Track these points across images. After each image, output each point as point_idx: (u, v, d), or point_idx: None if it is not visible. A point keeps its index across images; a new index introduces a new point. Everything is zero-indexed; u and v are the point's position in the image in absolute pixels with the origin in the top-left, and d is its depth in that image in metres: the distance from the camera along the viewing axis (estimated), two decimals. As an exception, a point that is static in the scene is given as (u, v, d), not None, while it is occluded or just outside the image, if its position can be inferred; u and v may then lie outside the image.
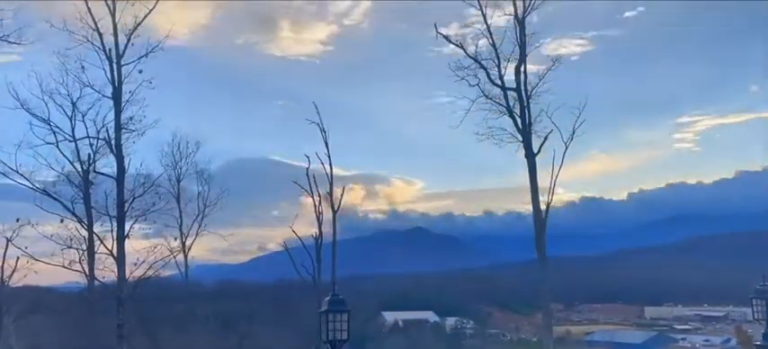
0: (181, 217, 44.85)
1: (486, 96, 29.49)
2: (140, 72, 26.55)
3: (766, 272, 17.89)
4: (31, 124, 27.11)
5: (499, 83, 29.19)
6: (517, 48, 28.90)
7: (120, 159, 26.29)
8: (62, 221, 27.16)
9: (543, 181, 28.45)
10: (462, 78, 29.70)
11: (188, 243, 45.45)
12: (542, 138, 28.37)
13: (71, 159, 28.43)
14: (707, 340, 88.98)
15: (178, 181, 45.62)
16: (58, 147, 27.96)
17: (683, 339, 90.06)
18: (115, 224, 26.05)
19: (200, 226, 45.69)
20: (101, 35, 26.35)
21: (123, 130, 26.48)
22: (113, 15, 26.33)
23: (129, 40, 26.51)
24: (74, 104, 27.74)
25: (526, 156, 28.49)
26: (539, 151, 28.39)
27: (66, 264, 27.29)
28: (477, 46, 29.37)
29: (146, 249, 27.99)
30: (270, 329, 60.59)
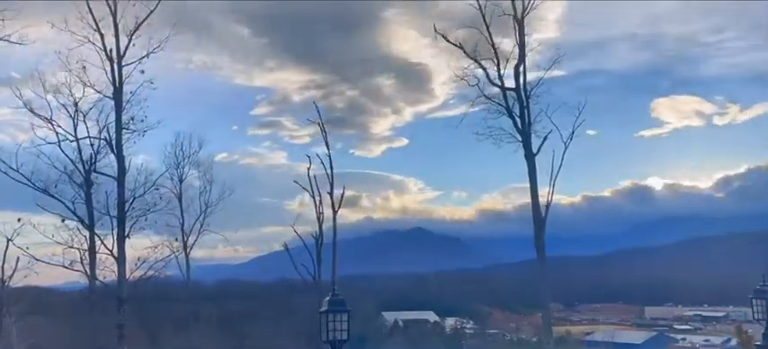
0: (182, 217, 44.82)
1: (486, 96, 29.58)
2: (142, 72, 26.63)
3: (766, 272, 17.92)
4: (32, 124, 27.18)
5: (498, 83, 29.27)
6: (516, 48, 28.97)
7: (120, 159, 26.34)
8: (63, 221, 27.20)
9: (543, 181, 28.50)
10: (461, 78, 29.81)
11: (189, 243, 45.37)
12: (542, 139, 28.43)
13: (73, 159, 28.41)
14: (707, 340, 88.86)
15: (180, 181, 45.54)
16: (59, 146, 27.98)
17: (683, 339, 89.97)
18: (116, 224, 26.11)
19: (201, 226, 45.66)
20: (102, 35, 26.42)
21: (124, 131, 26.56)
22: (114, 16, 26.38)
23: (130, 40, 26.58)
24: (76, 104, 27.76)
25: (526, 156, 28.53)
26: (538, 151, 28.43)
27: (67, 264, 27.36)
28: (476, 45, 29.44)
29: (147, 249, 28.12)
30: (270, 329, 60.64)
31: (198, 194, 46.31)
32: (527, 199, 28.88)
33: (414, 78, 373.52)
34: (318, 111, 33.19)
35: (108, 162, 27.64)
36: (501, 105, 29.17)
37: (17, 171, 26.33)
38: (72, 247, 27.35)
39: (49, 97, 27.26)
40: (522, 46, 28.83)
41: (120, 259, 25.95)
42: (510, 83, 29.08)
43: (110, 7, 26.37)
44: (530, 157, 28.44)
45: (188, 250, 45.06)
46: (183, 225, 44.58)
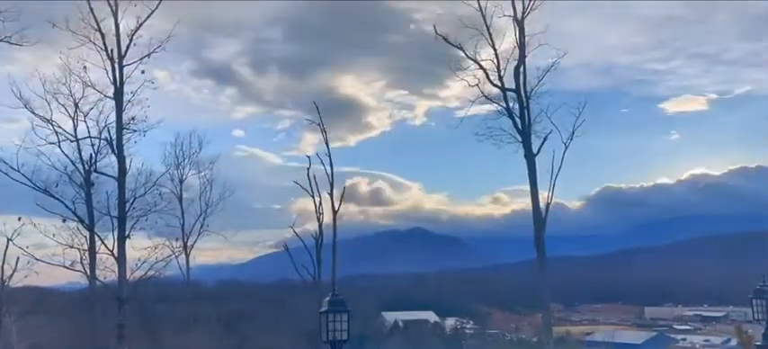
0: (183, 217, 44.64)
1: (486, 97, 29.56)
2: (143, 72, 26.60)
3: (766, 272, 17.95)
4: (32, 124, 27.12)
5: (499, 83, 29.24)
6: (516, 48, 28.95)
7: (121, 160, 26.28)
8: (64, 221, 27.15)
9: (543, 181, 28.49)
10: (462, 79, 29.81)
11: (190, 243, 45.20)
12: (542, 139, 28.41)
13: (73, 159, 28.34)
14: (707, 340, 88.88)
15: (180, 181, 45.36)
16: (60, 147, 27.92)
17: (683, 339, 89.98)
18: (116, 224, 26.08)
19: (201, 226, 45.50)
20: (103, 35, 26.33)
21: (125, 131, 26.52)
22: (115, 15, 26.33)
23: (131, 40, 26.54)
24: (76, 104, 27.70)
25: (526, 156, 28.51)
26: (538, 152, 28.41)
27: (67, 265, 27.31)
28: (476, 46, 29.43)
29: (147, 249, 28.08)
30: (270, 330, 60.65)
31: (198, 195, 46.17)
32: (527, 199, 28.91)
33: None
34: (318, 112, 33.16)
35: (108, 162, 27.60)
36: (501, 106, 29.17)
37: (18, 171, 26.30)
38: (72, 248, 27.35)
39: (50, 97, 27.24)
40: (522, 47, 28.80)
41: (121, 259, 25.92)
42: (510, 83, 29.07)
43: (111, 7, 26.33)
44: (530, 158, 28.42)
45: (188, 251, 44.94)
46: (183, 225, 44.47)
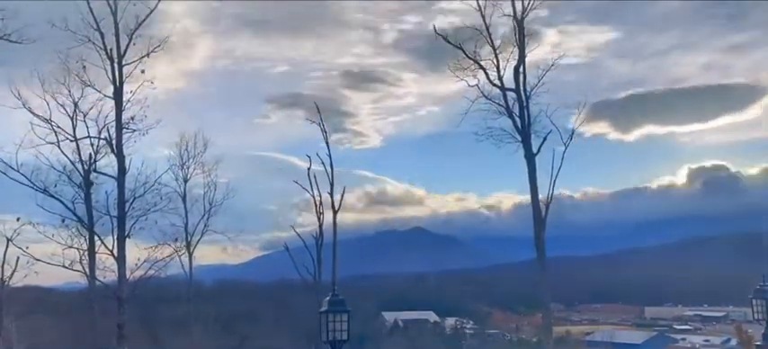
0: (186, 217, 44.48)
1: (486, 97, 29.48)
2: (143, 72, 26.53)
3: (766, 273, 17.96)
4: (31, 124, 27.03)
5: (498, 83, 29.17)
6: (516, 48, 28.90)
7: (120, 159, 26.21)
8: (63, 221, 27.10)
9: (543, 181, 28.45)
10: (461, 79, 29.74)
11: (193, 243, 45.07)
12: (542, 139, 28.36)
13: (72, 159, 28.25)
14: (707, 340, 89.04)
15: (185, 181, 45.24)
16: (59, 146, 27.85)
17: (683, 339, 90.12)
18: (116, 224, 26.03)
19: (205, 226, 45.36)
20: (102, 35, 26.25)
21: (124, 130, 26.47)
22: (114, 15, 26.24)
23: (130, 39, 26.48)
24: (75, 104, 27.61)
25: (526, 156, 28.47)
26: (538, 151, 28.35)
27: (66, 264, 27.24)
28: (476, 46, 29.36)
29: (148, 249, 28.05)
30: (270, 329, 60.78)
31: (202, 194, 45.99)
32: (527, 199, 28.87)
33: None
34: (318, 111, 33.15)
35: (108, 161, 27.53)
36: (501, 106, 29.10)
37: (17, 171, 26.25)
38: (72, 248, 27.30)
39: (49, 97, 27.19)
40: (521, 46, 28.75)
41: (120, 259, 25.88)
42: (510, 83, 29.03)
43: (110, 6, 26.25)
44: (530, 157, 28.37)
45: (191, 250, 44.82)
46: (186, 225, 44.35)
